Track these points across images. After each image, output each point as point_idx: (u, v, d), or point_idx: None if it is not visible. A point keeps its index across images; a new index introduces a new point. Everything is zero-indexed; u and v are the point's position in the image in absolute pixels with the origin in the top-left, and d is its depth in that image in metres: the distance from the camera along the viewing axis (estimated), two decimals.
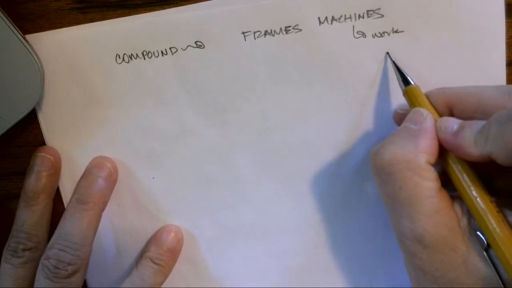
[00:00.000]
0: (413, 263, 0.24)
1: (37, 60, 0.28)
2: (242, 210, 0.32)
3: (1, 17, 0.27)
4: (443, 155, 0.24)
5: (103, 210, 0.30)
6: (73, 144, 0.31)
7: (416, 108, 0.26)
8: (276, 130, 0.31)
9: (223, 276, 0.34)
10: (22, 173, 0.31)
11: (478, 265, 0.23)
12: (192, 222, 0.33)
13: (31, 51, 0.28)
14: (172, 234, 0.32)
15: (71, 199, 0.30)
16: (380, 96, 0.30)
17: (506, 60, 0.29)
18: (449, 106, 0.26)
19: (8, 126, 0.29)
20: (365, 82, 0.30)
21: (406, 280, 0.34)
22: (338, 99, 0.30)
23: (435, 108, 0.26)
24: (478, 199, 0.23)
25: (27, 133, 0.31)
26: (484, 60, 0.29)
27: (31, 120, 0.31)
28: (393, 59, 0.29)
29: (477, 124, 0.23)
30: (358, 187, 0.32)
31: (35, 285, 0.29)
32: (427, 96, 0.27)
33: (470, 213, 0.24)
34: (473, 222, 0.24)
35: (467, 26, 0.29)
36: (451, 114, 0.26)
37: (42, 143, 0.31)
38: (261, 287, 0.34)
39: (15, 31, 0.27)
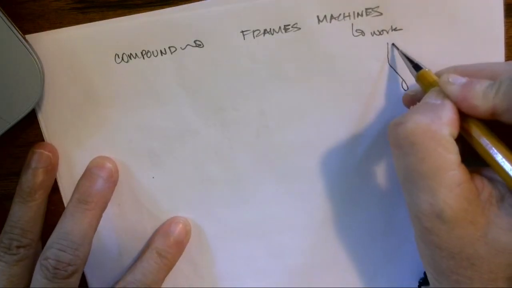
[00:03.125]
0: (429, 240, 0.24)
1: (37, 60, 0.28)
2: (242, 209, 0.32)
3: (1, 17, 0.27)
4: (465, 127, 0.24)
5: (103, 210, 0.30)
6: (73, 143, 0.31)
7: (434, 88, 0.26)
8: (276, 129, 0.31)
9: (223, 276, 0.34)
10: None
11: (498, 237, 0.22)
12: (192, 221, 0.33)
13: (31, 51, 0.28)
14: (181, 225, 0.32)
15: (71, 199, 0.30)
16: (379, 94, 0.30)
17: (506, 60, 0.29)
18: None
19: (8, 126, 0.29)
20: (364, 80, 0.30)
21: (406, 280, 0.34)
22: (337, 97, 0.30)
23: None
24: (505, 160, 0.22)
25: (27, 133, 0.31)
26: (483, 59, 0.29)
27: (31, 120, 0.31)
28: (399, 48, 0.29)
29: (487, 81, 0.23)
30: (359, 185, 0.32)
31: (32, 284, 0.28)
32: (438, 75, 0.27)
33: (491, 185, 0.23)
34: (496, 193, 0.23)
35: (466, 24, 0.29)
36: None
37: None
38: (262, 287, 0.34)
39: (15, 31, 0.27)
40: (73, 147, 0.31)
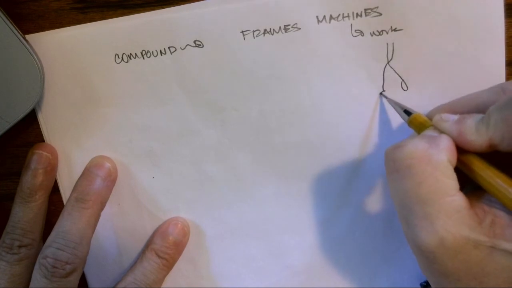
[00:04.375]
0: (433, 269, 0.23)
1: (37, 60, 0.28)
2: (242, 209, 0.32)
3: (1, 17, 0.27)
4: (463, 160, 0.24)
5: (102, 209, 0.30)
6: (72, 143, 0.31)
7: (429, 127, 0.26)
8: (275, 129, 0.31)
9: (223, 276, 0.34)
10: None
11: (505, 254, 0.22)
12: (192, 221, 0.33)
13: (31, 51, 0.28)
14: (179, 226, 0.32)
15: (69, 198, 0.30)
16: (379, 94, 0.30)
17: (506, 60, 0.29)
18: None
19: (8, 126, 0.29)
20: (364, 80, 0.30)
21: (406, 281, 0.34)
22: (337, 97, 0.30)
23: None
24: (509, 189, 0.22)
25: (27, 133, 0.31)
26: (483, 59, 0.29)
27: (31, 120, 0.31)
28: (388, 97, 0.30)
29: (478, 115, 0.23)
30: (358, 186, 0.32)
31: (32, 283, 0.28)
32: (429, 117, 0.27)
33: (493, 213, 0.23)
34: (499, 221, 0.23)
35: (466, 24, 0.29)
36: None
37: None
38: (262, 287, 0.34)
39: (15, 31, 0.27)
40: (73, 147, 0.31)
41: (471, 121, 0.23)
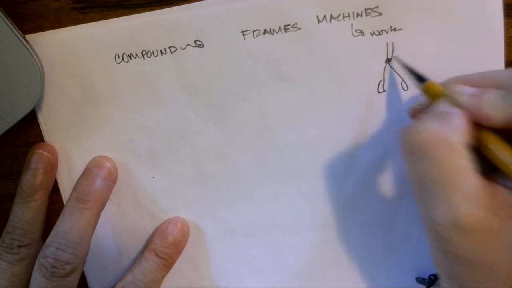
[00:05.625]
0: (445, 249, 0.23)
1: (37, 60, 0.28)
2: (242, 209, 0.32)
3: (1, 17, 0.27)
4: (478, 137, 0.24)
5: (102, 209, 0.30)
6: (73, 143, 0.31)
7: (443, 98, 0.25)
8: (275, 129, 0.31)
9: (223, 275, 0.34)
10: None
11: None
12: (192, 221, 0.33)
13: (31, 51, 0.28)
14: (179, 225, 0.32)
15: (70, 198, 0.30)
16: (379, 94, 0.30)
17: (505, 60, 0.30)
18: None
19: (8, 126, 0.29)
20: (364, 80, 0.30)
21: (407, 281, 0.34)
22: (337, 97, 0.30)
23: None
24: None
25: (27, 133, 0.31)
26: (483, 59, 0.30)
27: (31, 120, 0.31)
28: (400, 58, 0.29)
29: (497, 90, 0.23)
30: (359, 186, 0.32)
31: (31, 283, 0.28)
32: (444, 86, 0.26)
33: (509, 194, 0.23)
34: None
35: (466, 24, 0.29)
36: None
37: None
38: (262, 287, 0.34)
39: (15, 31, 0.27)
40: (73, 147, 0.31)
41: (491, 96, 0.23)
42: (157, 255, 0.31)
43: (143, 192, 0.32)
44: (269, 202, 0.32)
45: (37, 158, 0.30)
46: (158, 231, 0.32)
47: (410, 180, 0.25)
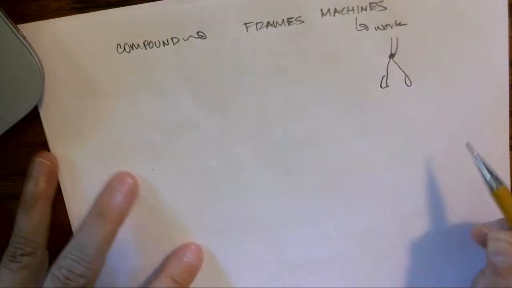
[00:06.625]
0: None
1: (37, 60, 0.28)
2: (241, 202, 0.32)
3: (1, 17, 0.27)
4: None
5: (121, 225, 0.30)
6: (73, 135, 0.31)
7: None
8: (276, 122, 0.31)
9: (221, 269, 0.34)
10: (22, 173, 0.31)
11: None
12: (191, 214, 0.33)
13: (31, 51, 0.28)
14: (194, 251, 0.32)
15: (90, 211, 0.30)
16: (382, 89, 0.30)
17: (509, 60, 0.29)
18: None
19: (8, 126, 0.29)
20: (367, 75, 0.30)
21: (409, 279, 0.34)
22: (339, 91, 0.30)
23: None
24: None
25: (27, 133, 0.31)
26: (487, 56, 0.29)
27: (31, 120, 0.30)
28: (480, 157, 0.28)
29: None
30: (358, 181, 0.32)
31: None
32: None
33: None
34: None
35: (470, 21, 0.29)
36: None
37: (42, 143, 0.31)
38: (262, 287, 0.34)
39: (15, 31, 0.27)
40: (73, 140, 0.31)
41: None
42: (172, 279, 0.31)
43: (143, 184, 0.32)
44: (268, 196, 0.32)
45: (38, 167, 0.30)
46: (174, 256, 0.32)
47: None
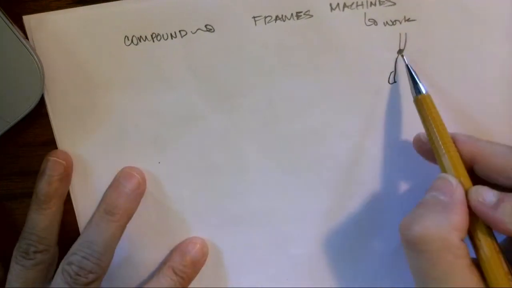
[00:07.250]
0: None
1: (37, 60, 0.28)
2: (247, 198, 0.32)
3: (1, 17, 0.27)
4: (472, 227, 0.24)
5: (128, 221, 0.30)
6: (80, 128, 0.31)
7: (443, 175, 0.25)
8: (283, 117, 0.31)
9: (225, 264, 0.33)
10: (22, 173, 0.31)
11: None
12: (196, 208, 0.32)
13: (31, 51, 0.28)
14: (198, 246, 0.32)
15: (98, 208, 0.30)
16: (390, 85, 0.30)
17: None
18: (472, 159, 0.26)
19: (8, 126, 0.29)
20: (375, 71, 0.30)
21: (410, 278, 0.34)
22: (347, 87, 0.30)
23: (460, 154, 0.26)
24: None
25: (27, 133, 0.31)
26: (496, 53, 0.29)
27: (31, 120, 0.30)
28: (406, 61, 0.29)
29: None
30: (365, 178, 0.32)
31: (52, 285, 0.29)
32: (454, 138, 0.26)
33: None
34: None
35: (480, 18, 0.29)
36: (471, 167, 0.26)
37: (43, 143, 0.31)
38: (262, 287, 0.34)
39: (15, 31, 0.27)
40: (80, 133, 0.31)
41: (511, 208, 0.23)
42: (175, 273, 0.31)
43: (148, 177, 0.32)
44: (274, 191, 0.32)
45: (52, 166, 0.30)
46: (178, 249, 0.32)
47: (411, 271, 0.25)
